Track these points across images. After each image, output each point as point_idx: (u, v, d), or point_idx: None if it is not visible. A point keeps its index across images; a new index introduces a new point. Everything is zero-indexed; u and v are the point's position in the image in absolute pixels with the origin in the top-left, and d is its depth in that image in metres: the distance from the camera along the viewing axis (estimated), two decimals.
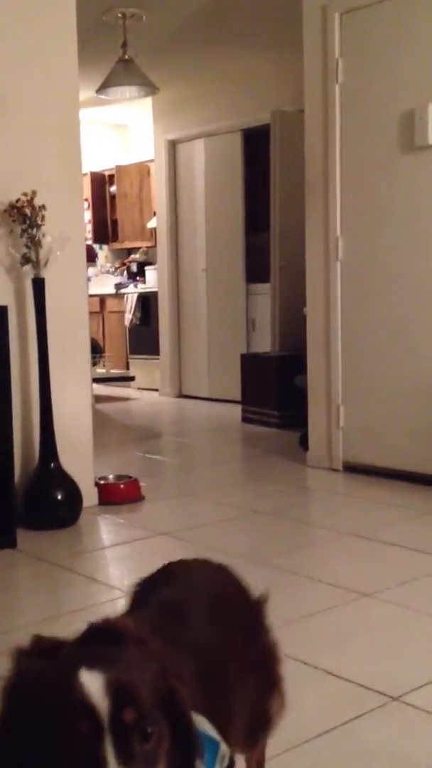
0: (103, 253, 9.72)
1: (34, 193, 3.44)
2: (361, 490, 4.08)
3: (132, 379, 8.49)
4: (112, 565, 3.09)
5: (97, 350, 7.91)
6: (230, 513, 3.73)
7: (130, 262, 9.42)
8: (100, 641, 0.87)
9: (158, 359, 8.05)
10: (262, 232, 6.78)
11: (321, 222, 4.43)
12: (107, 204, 9.49)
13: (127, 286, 8.96)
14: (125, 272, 9.40)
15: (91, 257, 9.01)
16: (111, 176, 9.36)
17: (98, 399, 7.20)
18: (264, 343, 6.80)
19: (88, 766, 0.76)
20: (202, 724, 0.92)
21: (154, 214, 8.32)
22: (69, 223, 3.66)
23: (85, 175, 7.72)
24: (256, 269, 6.98)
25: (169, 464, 5.05)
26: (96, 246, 9.52)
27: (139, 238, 9.27)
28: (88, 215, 9.10)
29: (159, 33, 6.01)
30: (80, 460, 3.74)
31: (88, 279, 6.31)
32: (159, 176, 7.94)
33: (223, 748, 0.97)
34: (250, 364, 6.34)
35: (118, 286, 9.05)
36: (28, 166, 3.58)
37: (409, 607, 2.51)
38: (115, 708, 0.78)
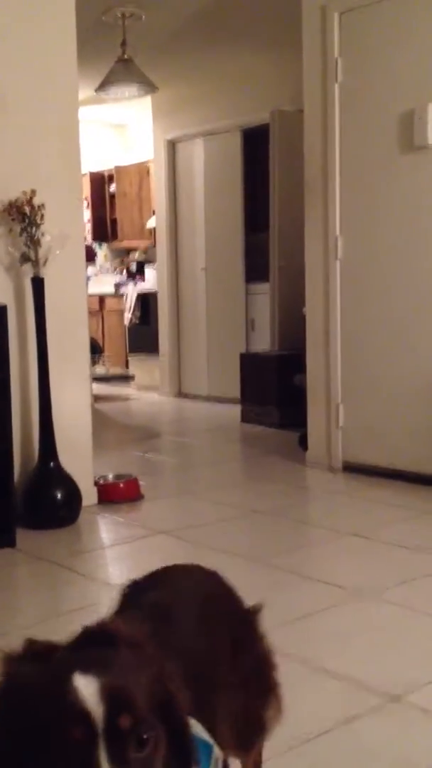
0: (102, 252, 9.72)
1: (33, 192, 3.44)
2: (360, 490, 4.07)
3: (131, 378, 8.49)
4: (111, 564, 3.09)
5: (96, 349, 7.91)
6: (230, 512, 3.73)
7: (129, 261, 9.42)
8: (95, 645, 0.85)
9: (157, 358, 8.04)
10: (261, 232, 6.78)
11: (320, 221, 4.43)
12: (106, 203, 9.50)
13: (126, 286, 8.96)
14: (124, 271, 9.40)
15: (91, 256, 9.00)
16: (110, 175, 9.36)
17: (97, 398, 7.20)
18: (263, 342, 6.80)
19: None
20: (195, 728, 0.91)
21: (154, 213, 8.32)
22: (68, 222, 3.66)
23: (84, 174, 7.72)
24: (256, 269, 6.97)
25: (169, 463, 5.05)
26: (95, 245, 9.52)
27: (138, 237, 9.27)
28: (87, 214, 9.10)
29: (158, 32, 6.01)
30: (80, 459, 3.74)
31: (88, 278, 6.30)
32: (158, 175, 7.94)
33: (216, 751, 0.96)
34: (250, 363, 6.34)
35: (118, 285, 9.06)
36: (28, 165, 3.58)
37: (408, 606, 2.51)
38: (111, 713, 0.76)
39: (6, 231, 3.50)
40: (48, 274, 3.50)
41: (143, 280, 8.86)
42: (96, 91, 5.93)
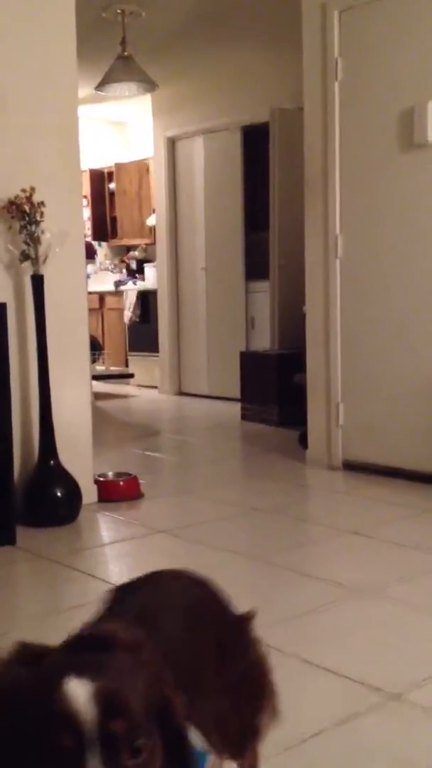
0: (102, 250, 9.71)
1: (33, 189, 3.43)
2: (360, 488, 4.08)
3: (131, 376, 8.48)
4: (111, 562, 3.09)
5: (96, 347, 7.90)
6: (229, 510, 3.73)
7: (129, 259, 9.42)
8: (89, 648, 0.82)
9: (157, 356, 8.04)
10: (261, 230, 6.77)
11: (320, 220, 4.43)
12: (106, 201, 9.49)
13: (126, 284, 8.95)
14: (124, 269, 9.40)
15: (90, 254, 8.99)
16: (110, 173, 9.35)
17: (97, 396, 7.20)
18: (263, 340, 6.80)
19: None
20: (191, 734, 0.88)
21: (154, 211, 8.32)
22: (68, 219, 3.66)
23: (84, 172, 7.71)
24: (256, 267, 6.97)
25: (169, 462, 5.05)
26: (95, 243, 9.51)
27: (138, 235, 9.26)
28: (87, 212, 9.09)
29: (158, 30, 6.01)
30: (79, 457, 3.74)
31: (87, 276, 6.30)
32: (158, 173, 7.93)
33: (211, 758, 0.95)
34: (250, 361, 6.34)
35: (118, 283, 9.05)
36: (28, 162, 3.57)
37: (408, 604, 2.52)
38: (104, 718, 0.73)
39: (6, 228, 3.49)
40: (48, 272, 3.50)
41: (143, 279, 8.85)
42: (96, 88, 5.93)
